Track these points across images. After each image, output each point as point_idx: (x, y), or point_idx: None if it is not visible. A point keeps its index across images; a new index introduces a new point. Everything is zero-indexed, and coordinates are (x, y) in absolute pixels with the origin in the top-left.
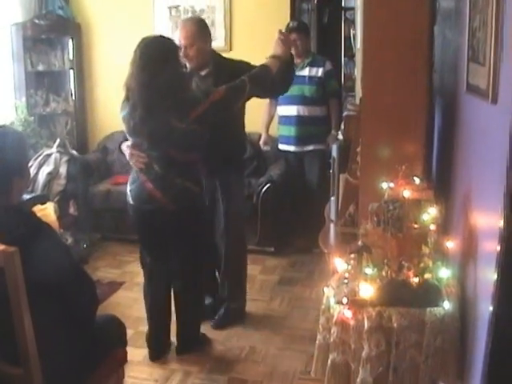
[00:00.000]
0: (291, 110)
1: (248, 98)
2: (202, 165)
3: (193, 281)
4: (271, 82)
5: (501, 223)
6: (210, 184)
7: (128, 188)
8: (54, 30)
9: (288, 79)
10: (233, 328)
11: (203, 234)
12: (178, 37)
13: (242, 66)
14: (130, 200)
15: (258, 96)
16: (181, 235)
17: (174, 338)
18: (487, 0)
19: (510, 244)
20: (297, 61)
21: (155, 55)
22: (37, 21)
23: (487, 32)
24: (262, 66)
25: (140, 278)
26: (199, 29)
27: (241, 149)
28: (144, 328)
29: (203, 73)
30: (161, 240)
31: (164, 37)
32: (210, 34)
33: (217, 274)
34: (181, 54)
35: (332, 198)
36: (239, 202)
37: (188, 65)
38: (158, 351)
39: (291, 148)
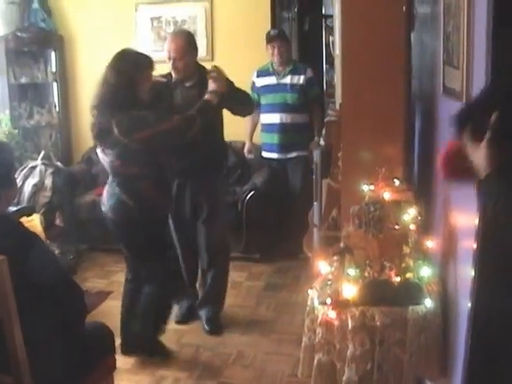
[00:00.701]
0: (274, 118)
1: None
2: (185, 170)
3: (149, 285)
4: (214, 111)
5: (476, 221)
6: (191, 190)
7: None
8: (36, 43)
9: (242, 99)
10: (220, 334)
11: (145, 247)
12: (166, 48)
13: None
14: None
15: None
16: (122, 243)
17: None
18: (459, 5)
19: (485, 242)
20: (279, 69)
21: (118, 69)
22: (19, 33)
23: (460, 36)
24: (203, 101)
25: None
26: (188, 43)
27: (222, 154)
28: None
29: (188, 84)
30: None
31: (140, 54)
32: (197, 48)
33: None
34: (170, 64)
35: (315, 203)
36: (223, 208)
37: (174, 75)
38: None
39: (274, 155)
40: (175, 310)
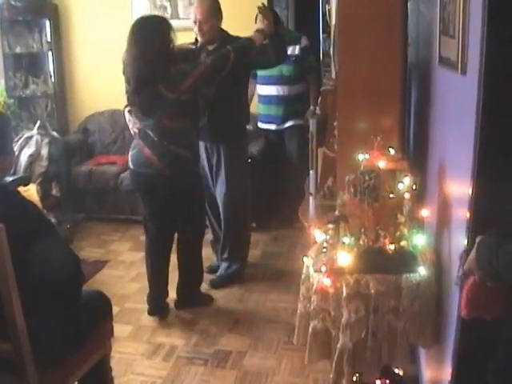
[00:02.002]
0: (271, 90)
1: (248, 68)
2: (205, 130)
3: (195, 240)
4: (255, 52)
5: (470, 190)
6: (211, 149)
7: (129, 153)
8: (30, 12)
9: (279, 49)
10: (216, 301)
11: (201, 196)
12: (193, 11)
13: None
14: (130, 164)
15: (257, 67)
16: (179, 198)
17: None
18: None
19: (477, 210)
20: None
21: (145, 32)
22: (13, 2)
23: (456, 5)
24: (246, 38)
25: (124, 257)
26: (213, 7)
27: (246, 117)
28: (129, 305)
29: (211, 47)
30: (161, 204)
31: (157, 16)
32: (222, 13)
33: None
34: (194, 28)
35: (311, 172)
36: (242, 167)
37: (199, 39)
38: (155, 309)
39: (272, 126)
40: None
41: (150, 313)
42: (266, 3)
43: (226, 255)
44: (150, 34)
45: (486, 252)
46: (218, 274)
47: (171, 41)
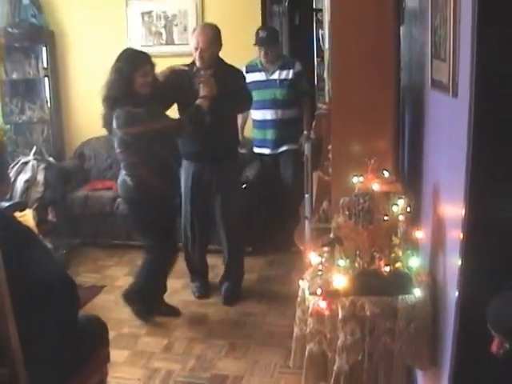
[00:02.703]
0: (265, 114)
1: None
2: (201, 154)
3: (150, 258)
4: (204, 115)
5: (463, 212)
6: (206, 175)
7: None
8: (27, 38)
9: (236, 104)
10: (213, 325)
11: (143, 223)
12: (194, 38)
13: (238, 76)
14: None
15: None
16: (132, 219)
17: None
18: None
19: (470, 232)
20: (267, 65)
21: (120, 66)
22: (10, 29)
23: (447, 29)
24: (195, 105)
25: (120, 282)
26: (215, 35)
27: (235, 141)
28: (126, 330)
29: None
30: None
31: (138, 54)
32: (221, 41)
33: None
34: (195, 54)
35: (306, 196)
36: (237, 190)
37: (198, 64)
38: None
39: (266, 151)
40: (192, 287)
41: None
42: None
43: (229, 275)
44: (122, 69)
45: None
46: (224, 293)
47: (141, 76)
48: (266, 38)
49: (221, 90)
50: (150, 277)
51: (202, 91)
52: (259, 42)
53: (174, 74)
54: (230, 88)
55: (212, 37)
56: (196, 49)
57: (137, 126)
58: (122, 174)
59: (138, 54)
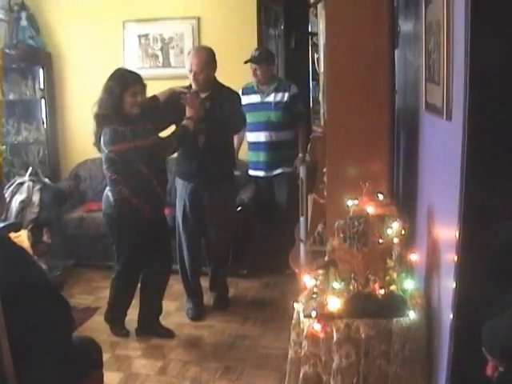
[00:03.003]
0: (259, 136)
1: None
2: (196, 175)
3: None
4: (190, 135)
5: (457, 234)
6: (200, 196)
7: None
8: (24, 60)
9: (225, 124)
10: (207, 348)
11: (116, 240)
12: (188, 61)
13: (234, 98)
14: None
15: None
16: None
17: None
18: (439, 23)
19: (464, 254)
20: (262, 87)
21: (108, 86)
22: (7, 50)
23: (440, 53)
24: (182, 126)
25: None
26: (209, 59)
27: (233, 164)
28: (120, 352)
29: (203, 95)
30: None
31: (131, 74)
32: (216, 63)
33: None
34: (190, 76)
35: (301, 219)
36: (233, 213)
37: (193, 86)
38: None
39: (261, 173)
40: (186, 309)
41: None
42: (191, 89)
43: (216, 291)
44: (112, 88)
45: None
46: (214, 301)
47: (129, 96)
48: (257, 56)
49: (216, 111)
50: (113, 295)
51: (188, 112)
52: (250, 59)
53: (174, 95)
54: (226, 110)
55: (206, 59)
56: (190, 71)
57: (121, 143)
58: (106, 190)
59: (128, 74)
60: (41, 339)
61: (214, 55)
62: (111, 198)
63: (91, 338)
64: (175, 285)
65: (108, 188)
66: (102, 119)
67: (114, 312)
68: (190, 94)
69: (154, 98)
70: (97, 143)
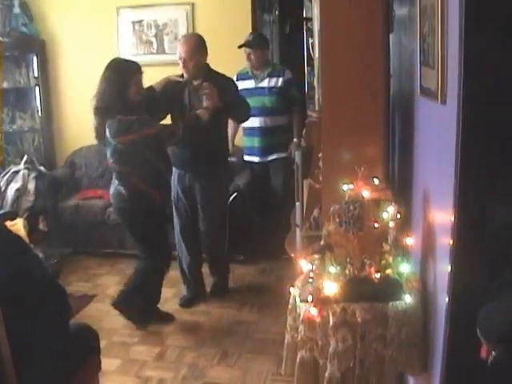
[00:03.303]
0: (254, 122)
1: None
2: (187, 163)
3: (144, 267)
4: (201, 125)
5: (452, 218)
6: (193, 184)
7: None
8: (18, 47)
9: (236, 113)
10: (205, 333)
11: (139, 231)
12: (178, 49)
13: (228, 84)
14: None
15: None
16: (126, 227)
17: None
18: (434, 6)
19: (460, 238)
20: (257, 72)
21: (110, 75)
22: (1, 38)
23: (435, 37)
24: (194, 114)
25: (111, 291)
26: (198, 45)
27: (224, 150)
28: (117, 338)
29: (195, 83)
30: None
31: (128, 63)
32: (206, 49)
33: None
34: (180, 64)
35: (297, 204)
36: (222, 202)
37: (184, 74)
38: None
39: (256, 159)
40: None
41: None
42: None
43: (215, 280)
44: (112, 78)
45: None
46: (211, 288)
47: (129, 91)
48: (251, 41)
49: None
50: (141, 285)
51: (205, 102)
52: (244, 44)
53: (169, 84)
54: (223, 97)
55: (194, 46)
56: (180, 59)
57: (130, 133)
58: (115, 184)
59: (130, 64)
60: (38, 327)
61: (204, 42)
62: (124, 192)
63: (88, 325)
64: (172, 271)
65: (117, 183)
66: (105, 111)
67: (148, 305)
68: (208, 84)
69: (151, 88)
70: (99, 137)
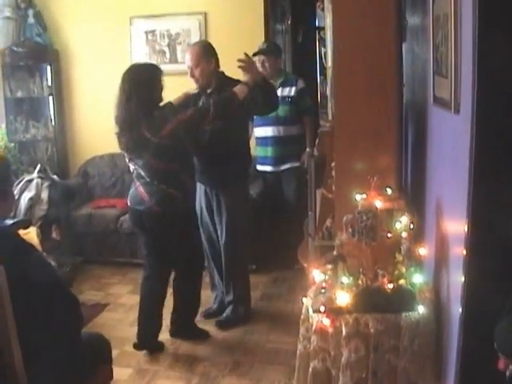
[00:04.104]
0: (267, 131)
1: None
2: (204, 176)
3: (187, 276)
4: (237, 104)
5: (465, 228)
6: (210, 193)
7: (129, 191)
8: (32, 57)
9: (267, 99)
10: (216, 343)
11: (188, 234)
12: (186, 59)
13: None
14: (128, 202)
15: (252, 114)
16: (170, 234)
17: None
18: (447, 16)
19: (473, 247)
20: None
21: (133, 79)
22: (15, 48)
23: (448, 46)
24: (229, 91)
25: (123, 300)
26: (203, 51)
27: (245, 162)
28: (129, 348)
29: (209, 91)
30: (153, 239)
31: (147, 65)
32: (215, 55)
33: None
34: (188, 73)
35: (310, 213)
36: (243, 211)
37: (195, 84)
38: (143, 343)
39: (268, 168)
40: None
41: (137, 347)
42: (249, 54)
43: (230, 298)
44: (138, 81)
45: None
46: (224, 315)
47: (158, 88)
48: (266, 48)
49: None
50: (195, 300)
51: (245, 77)
52: (258, 51)
53: (187, 99)
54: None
55: (199, 53)
56: (188, 68)
57: (167, 124)
58: (162, 190)
59: (152, 65)
60: (50, 335)
61: (210, 48)
62: (178, 195)
63: (100, 333)
64: None
65: (164, 187)
66: (140, 115)
67: (193, 316)
68: (246, 57)
69: (169, 103)
70: (134, 147)
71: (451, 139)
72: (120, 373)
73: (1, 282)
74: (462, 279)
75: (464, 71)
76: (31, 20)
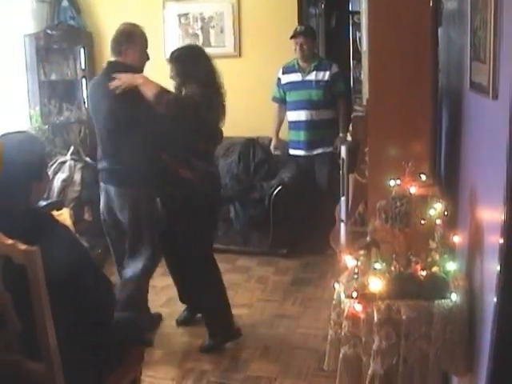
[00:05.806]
0: (300, 115)
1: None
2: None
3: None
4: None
5: (503, 216)
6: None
7: None
8: (65, 40)
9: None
10: (246, 327)
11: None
12: None
13: None
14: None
15: None
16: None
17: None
18: (486, 0)
19: (510, 236)
20: (303, 65)
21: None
22: (49, 31)
23: (487, 30)
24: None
25: (155, 281)
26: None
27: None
28: (160, 329)
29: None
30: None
31: (192, 47)
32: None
33: None
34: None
35: (342, 198)
36: (140, 227)
37: None
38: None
39: (301, 153)
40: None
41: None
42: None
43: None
44: (200, 63)
45: None
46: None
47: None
48: (303, 31)
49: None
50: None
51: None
52: (294, 33)
53: None
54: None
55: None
56: None
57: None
58: (204, 167)
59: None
60: (84, 316)
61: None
62: (216, 172)
63: (133, 314)
64: None
65: (206, 164)
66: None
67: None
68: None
69: None
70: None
71: (488, 125)
72: (152, 353)
73: (36, 264)
74: (498, 268)
75: (503, 56)
76: (65, 3)
